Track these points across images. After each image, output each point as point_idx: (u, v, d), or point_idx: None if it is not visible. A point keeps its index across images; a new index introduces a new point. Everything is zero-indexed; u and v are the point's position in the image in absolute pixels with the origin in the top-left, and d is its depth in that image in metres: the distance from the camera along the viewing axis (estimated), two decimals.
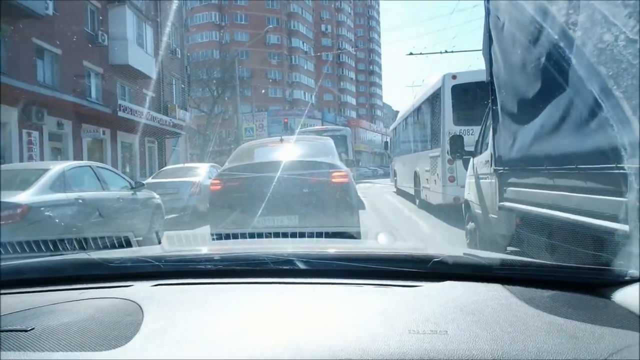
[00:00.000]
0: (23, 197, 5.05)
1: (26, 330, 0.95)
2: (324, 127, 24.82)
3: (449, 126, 8.28)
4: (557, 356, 0.81)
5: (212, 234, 4.73)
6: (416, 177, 11.35)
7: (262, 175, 5.02)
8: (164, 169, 13.35)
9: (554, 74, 2.66)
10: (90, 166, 6.71)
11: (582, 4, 2.36)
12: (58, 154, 15.49)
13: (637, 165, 1.93)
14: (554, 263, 1.27)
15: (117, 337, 0.92)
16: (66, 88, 15.22)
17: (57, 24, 15.06)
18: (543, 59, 2.81)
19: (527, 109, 3.22)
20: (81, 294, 1.20)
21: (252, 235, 2.65)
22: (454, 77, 8.48)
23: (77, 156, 15.72)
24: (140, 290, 1.23)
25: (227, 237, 2.47)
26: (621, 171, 2.07)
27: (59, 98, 14.14)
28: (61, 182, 5.65)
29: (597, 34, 2.16)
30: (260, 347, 0.87)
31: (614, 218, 2.15)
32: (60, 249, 2.49)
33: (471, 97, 7.95)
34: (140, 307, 1.06)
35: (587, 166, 2.47)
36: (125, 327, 0.97)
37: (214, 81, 37.40)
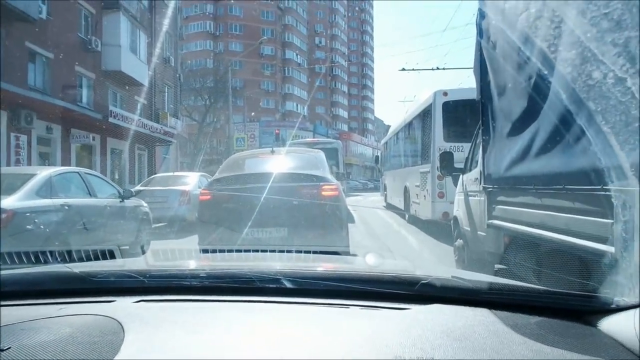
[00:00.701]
0: (8, 202, 4.97)
1: (2, 350, 0.92)
2: (316, 139, 24.91)
3: (439, 142, 8.36)
4: None
5: (200, 249, 4.68)
6: (406, 192, 11.41)
7: (252, 186, 4.99)
8: (153, 177, 13.25)
9: (544, 94, 2.69)
10: (78, 172, 6.63)
11: (565, 35, 2.42)
12: (46, 158, 15.31)
13: (622, 188, 1.95)
14: (542, 288, 1.27)
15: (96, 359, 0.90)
16: (57, 92, 15.11)
17: (51, 28, 15.00)
18: (533, 80, 2.86)
19: (516, 128, 3.26)
20: (61, 310, 1.17)
21: (240, 251, 2.62)
22: (445, 93, 8.57)
23: (66, 162, 15.55)
24: (122, 306, 1.20)
25: (215, 252, 2.44)
26: (607, 193, 2.09)
27: (49, 102, 14.01)
28: (48, 188, 5.57)
29: (587, 71, 2.22)
30: None
31: (600, 239, 2.17)
32: (42, 260, 2.43)
33: (462, 114, 8.03)
34: (121, 325, 1.04)
35: (574, 186, 2.50)
36: (105, 347, 0.95)
37: (207, 90, 37.41)
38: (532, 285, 1.33)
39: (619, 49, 1.98)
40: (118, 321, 1.06)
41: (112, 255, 2.14)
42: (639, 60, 1.86)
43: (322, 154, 6.16)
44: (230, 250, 2.32)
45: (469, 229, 5.07)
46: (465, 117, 7.87)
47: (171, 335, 1.01)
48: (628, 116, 1.94)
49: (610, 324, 1.04)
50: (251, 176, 5.33)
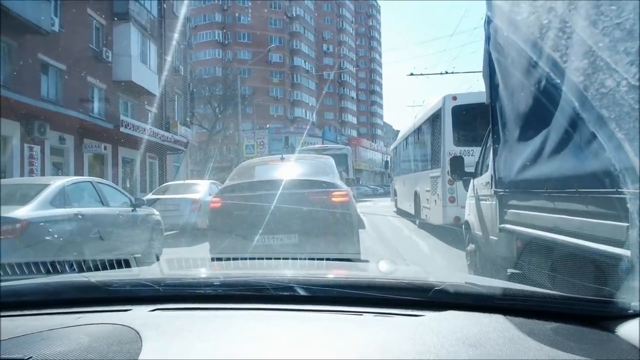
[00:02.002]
0: (22, 212, 5.04)
1: None
2: (325, 145, 24.94)
3: (449, 147, 8.33)
4: None
5: (212, 257, 4.70)
6: (416, 196, 11.35)
7: (262, 193, 5.02)
8: (164, 185, 13.35)
9: (554, 99, 2.68)
10: (90, 182, 6.72)
11: (575, 42, 2.43)
12: (59, 168, 15.52)
13: (637, 191, 1.94)
14: (557, 293, 1.25)
15: None
16: (69, 103, 15.33)
17: (63, 40, 15.25)
18: (542, 84, 2.84)
19: (527, 132, 3.24)
20: (78, 319, 1.18)
21: (252, 259, 2.63)
22: (455, 98, 8.55)
23: (78, 171, 15.74)
24: (138, 315, 1.21)
25: (228, 260, 2.45)
26: (621, 196, 2.07)
27: (62, 113, 14.23)
28: (61, 198, 5.65)
29: (600, 79, 2.22)
30: None
31: (615, 243, 2.14)
32: (57, 270, 2.46)
33: (471, 118, 7.99)
34: (138, 334, 1.05)
35: (587, 189, 2.48)
36: (123, 356, 0.96)
37: (216, 98, 37.70)
38: (547, 291, 1.31)
39: (632, 58, 1.99)
40: (135, 330, 1.07)
41: (128, 264, 2.16)
42: None
43: (331, 160, 6.17)
44: (243, 258, 2.33)
45: (480, 233, 5.04)
46: (475, 121, 7.82)
47: (187, 344, 1.02)
48: None
49: (628, 330, 1.02)
50: (261, 183, 5.35)
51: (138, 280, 1.44)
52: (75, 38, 16.02)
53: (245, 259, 2.60)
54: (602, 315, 1.11)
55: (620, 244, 2.09)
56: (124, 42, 18.42)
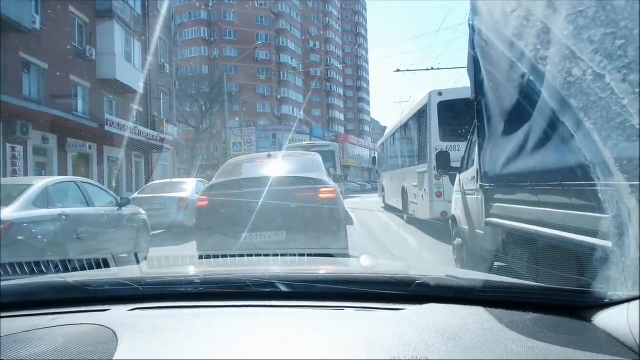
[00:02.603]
0: (5, 213, 4.95)
1: None
2: (312, 142, 24.90)
3: (436, 142, 8.40)
4: None
5: (199, 255, 4.67)
6: (404, 192, 11.41)
7: (249, 191, 4.99)
8: (150, 184, 13.23)
9: (536, 92, 2.70)
10: (74, 182, 6.62)
11: (548, 34, 2.44)
12: (42, 168, 15.28)
13: (609, 183, 1.96)
14: (536, 284, 1.27)
15: None
16: (52, 102, 15.09)
17: (45, 38, 14.99)
18: (525, 78, 2.87)
19: (512, 126, 3.27)
20: (55, 320, 1.16)
21: (240, 256, 2.63)
22: (440, 93, 8.61)
23: (62, 171, 15.51)
24: (117, 315, 1.20)
25: (209, 257, 2.43)
26: (601, 188, 2.10)
27: (44, 112, 14.00)
28: (45, 198, 5.56)
29: (567, 68, 2.23)
30: None
31: (596, 234, 2.17)
32: (38, 271, 2.42)
33: (457, 114, 8.03)
34: (115, 334, 1.03)
35: (570, 182, 2.50)
36: (98, 356, 0.94)
37: (203, 96, 37.42)
38: (527, 282, 1.33)
39: (596, 46, 1.98)
40: (112, 330, 1.05)
41: (107, 264, 2.13)
42: (616, 57, 1.86)
43: (318, 157, 6.16)
44: (224, 256, 2.32)
45: (467, 227, 5.08)
46: (461, 116, 7.79)
47: (165, 342, 1.01)
48: (609, 112, 1.95)
49: (604, 319, 1.04)
50: (248, 181, 5.32)
51: (117, 279, 1.42)
52: (58, 36, 15.76)
53: (226, 256, 2.59)
54: (580, 305, 1.12)
55: (602, 235, 2.12)
56: (108, 40, 18.17)
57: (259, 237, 4.82)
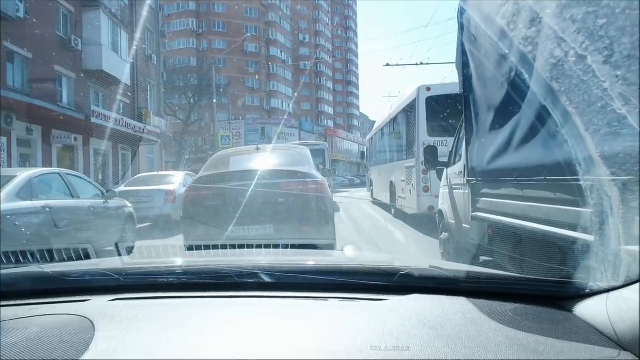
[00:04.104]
0: None
1: None
2: (304, 142, 25.00)
3: (424, 137, 8.44)
4: None
5: (184, 246, 4.63)
6: (392, 186, 11.47)
7: (237, 184, 4.96)
8: (137, 176, 13.10)
9: (524, 86, 2.72)
10: (59, 173, 6.52)
11: (541, 28, 2.42)
12: (27, 160, 15.04)
13: (602, 178, 1.98)
14: (518, 276, 1.29)
15: (62, 359, 0.88)
16: (37, 93, 14.84)
17: (29, 27, 14.69)
18: (513, 73, 2.88)
19: (499, 121, 3.29)
20: (32, 310, 1.14)
21: (223, 247, 2.62)
22: (428, 89, 8.66)
23: (47, 163, 15.29)
24: (96, 305, 1.18)
25: (198, 248, 2.41)
26: (587, 183, 2.12)
27: (28, 103, 13.75)
28: (28, 190, 5.47)
29: (548, 49, 2.18)
30: None
31: (581, 228, 2.20)
32: (14, 261, 2.38)
33: (445, 109, 8.12)
34: (92, 324, 1.02)
35: (555, 177, 2.53)
36: (74, 346, 0.93)
37: (191, 88, 37.06)
38: (509, 273, 1.34)
39: (579, 25, 1.93)
40: (89, 319, 1.04)
41: (87, 255, 2.10)
42: (598, 37, 1.80)
43: (307, 150, 6.16)
44: (206, 247, 2.31)
45: (453, 221, 5.12)
46: (448, 111, 7.99)
47: (144, 332, 1.00)
48: (590, 95, 1.91)
49: (583, 309, 1.06)
50: (236, 174, 5.28)
51: (97, 270, 1.41)
52: (42, 25, 15.44)
53: (216, 246, 2.57)
54: (561, 296, 1.14)
55: (585, 229, 2.15)
56: (94, 30, 17.87)
57: (246, 231, 4.79)
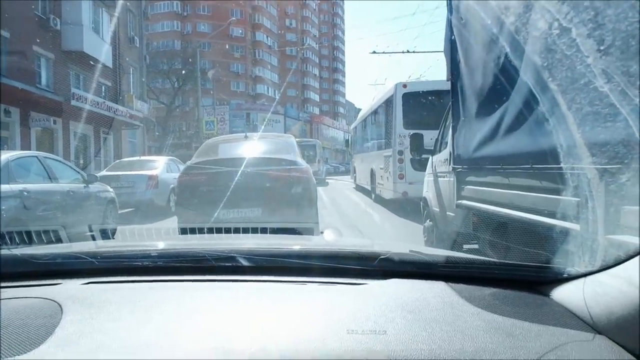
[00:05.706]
0: None
1: None
2: (299, 139, 25.37)
3: (400, 129, 9.28)
4: (494, 355, 0.82)
5: (178, 228, 4.84)
6: (372, 174, 12.31)
7: (227, 170, 5.17)
8: (119, 161, 12.89)
9: (512, 74, 2.70)
10: (36, 157, 6.36)
11: (531, 13, 2.37)
12: (4, 143, 14.66)
13: (589, 166, 1.97)
14: (497, 260, 1.30)
15: (25, 343, 0.85)
16: (14, 74, 14.40)
17: (5, 5, 14.19)
18: (502, 59, 2.85)
19: (486, 109, 3.27)
20: None
21: (212, 230, 2.59)
22: (405, 86, 9.60)
23: (25, 146, 14.92)
24: (67, 289, 1.14)
25: (192, 231, 2.39)
26: (574, 171, 2.12)
27: (5, 84, 13.35)
28: (5, 174, 5.33)
29: (532, 20, 2.06)
30: (186, 350, 0.83)
31: (566, 217, 2.20)
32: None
33: (420, 105, 9.14)
34: (61, 307, 0.99)
35: (541, 166, 2.53)
36: (39, 330, 0.89)
37: (175, 72, 36.43)
38: (488, 258, 1.35)
39: (574, 6, 1.80)
40: (58, 303, 1.01)
41: (58, 237, 2.04)
42: (583, 8, 1.69)
43: (292, 139, 6.56)
44: (193, 230, 2.27)
45: (438, 209, 5.13)
46: (423, 107, 9.05)
47: (114, 316, 0.97)
48: (574, 72, 1.82)
49: (561, 293, 1.07)
50: (226, 161, 5.50)
51: (70, 253, 1.37)
52: (19, 4, 14.94)
53: (202, 230, 2.54)
54: (539, 280, 1.15)
55: (569, 217, 2.15)
56: (75, 9, 17.37)
57: (235, 214, 5.05)
